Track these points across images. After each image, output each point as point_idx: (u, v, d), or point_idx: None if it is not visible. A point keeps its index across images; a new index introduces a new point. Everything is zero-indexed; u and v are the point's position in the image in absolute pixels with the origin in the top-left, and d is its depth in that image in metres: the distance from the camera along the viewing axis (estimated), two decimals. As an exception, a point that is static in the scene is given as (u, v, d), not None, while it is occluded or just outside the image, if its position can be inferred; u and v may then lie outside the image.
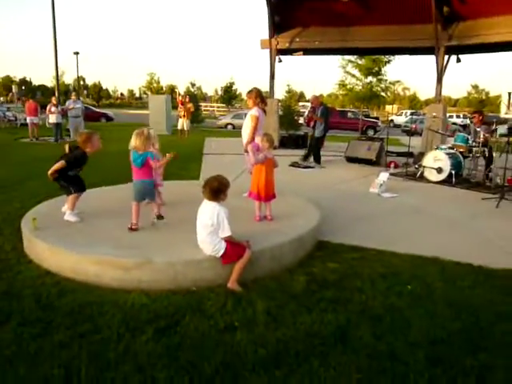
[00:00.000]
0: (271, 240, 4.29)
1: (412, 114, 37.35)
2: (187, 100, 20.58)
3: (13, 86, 44.80)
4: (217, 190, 3.71)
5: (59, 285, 3.64)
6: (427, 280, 4.03)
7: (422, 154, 10.70)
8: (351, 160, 11.91)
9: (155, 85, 78.06)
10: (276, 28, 14.75)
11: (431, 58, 12.94)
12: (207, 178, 3.89)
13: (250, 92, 6.46)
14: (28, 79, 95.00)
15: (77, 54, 37.60)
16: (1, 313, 3.14)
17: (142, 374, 2.50)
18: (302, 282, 3.85)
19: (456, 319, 3.33)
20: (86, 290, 3.56)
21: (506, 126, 8.67)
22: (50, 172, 4.55)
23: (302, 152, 12.63)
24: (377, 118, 36.95)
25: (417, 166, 10.07)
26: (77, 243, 4.03)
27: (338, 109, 35.12)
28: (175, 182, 7.38)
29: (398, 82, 30.54)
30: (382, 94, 25.98)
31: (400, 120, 39.28)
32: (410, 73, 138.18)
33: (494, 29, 11.50)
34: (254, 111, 6.23)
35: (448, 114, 41.31)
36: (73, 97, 17.62)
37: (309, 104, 20.13)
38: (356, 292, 3.70)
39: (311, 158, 11.48)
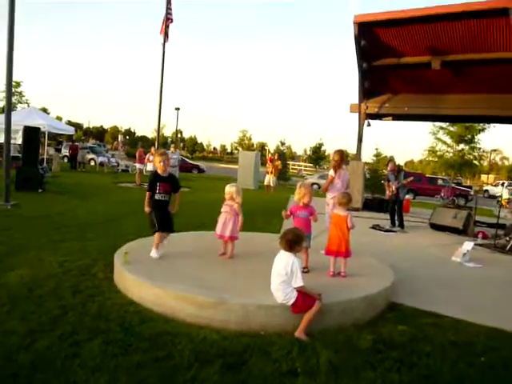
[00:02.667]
0: (342, 295, 4.37)
1: (509, 184, 35.37)
2: (276, 158, 21.35)
3: (119, 136, 49.20)
4: (292, 241, 3.94)
5: (140, 314, 3.98)
6: (503, 353, 3.84)
7: (514, 227, 10.17)
8: (436, 227, 11.55)
9: (247, 141, 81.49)
10: (366, 93, 15.14)
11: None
12: (284, 230, 4.16)
13: (334, 152, 7.05)
14: (132, 130, 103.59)
15: (178, 109, 40.60)
16: (91, 330, 3.52)
17: (206, 402, 2.69)
18: (369, 340, 3.85)
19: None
20: (164, 321, 3.86)
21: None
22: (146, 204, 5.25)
23: (385, 215, 12.53)
24: (469, 187, 35.43)
25: (508, 239, 9.55)
26: (160, 278, 4.40)
27: (427, 175, 34.29)
28: (258, 234, 7.72)
29: (495, 150, 29.42)
30: (475, 162, 25.04)
31: (496, 190, 37.34)
32: (510, 142, 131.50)
33: None
34: (330, 171, 6.90)
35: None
36: (172, 148, 19.07)
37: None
38: (423, 356, 3.62)
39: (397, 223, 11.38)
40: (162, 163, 5.27)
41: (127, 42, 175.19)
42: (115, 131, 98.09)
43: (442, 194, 26.63)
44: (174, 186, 5.37)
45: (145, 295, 4.27)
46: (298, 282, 3.83)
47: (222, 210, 5.61)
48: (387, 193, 11.73)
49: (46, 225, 8.01)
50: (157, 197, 5.23)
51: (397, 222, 11.35)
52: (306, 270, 5.04)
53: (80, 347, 3.23)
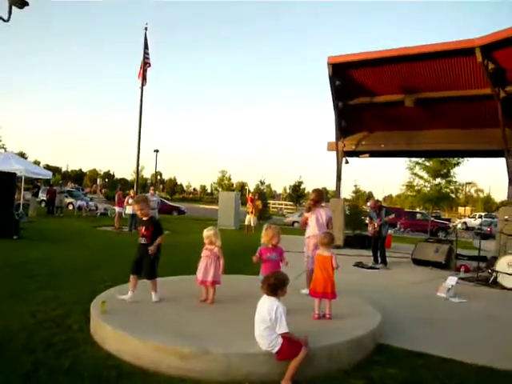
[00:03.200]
0: (328, 339, 4.22)
1: (486, 216, 35.97)
2: (256, 197, 21.35)
3: (98, 179, 48.88)
4: (274, 285, 3.82)
5: (118, 368, 3.75)
6: (497, 394, 3.73)
7: (495, 259, 10.19)
8: (418, 262, 11.52)
9: (226, 182, 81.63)
10: (342, 131, 15.37)
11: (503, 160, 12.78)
12: (266, 275, 4.04)
13: (311, 191, 7.10)
14: (111, 172, 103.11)
15: (157, 151, 40.65)
16: (63, 390, 3.28)
17: None
18: (359, 386, 3.70)
19: None
20: (143, 375, 3.65)
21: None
22: None
23: (367, 252, 12.49)
24: (448, 220, 35.93)
25: (489, 271, 9.56)
26: (139, 329, 4.20)
27: (406, 210, 34.66)
28: (237, 276, 7.52)
29: (470, 183, 30.06)
30: (452, 195, 25.46)
31: (474, 222, 37.93)
32: (484, 174, 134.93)
33: None
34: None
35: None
36: (151, 191, 18.90)
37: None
38: (416, 401, 3.49)
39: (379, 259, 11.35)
40: (138, 212, 5.39)
41: (105, 85, 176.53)
42: (94, 174, 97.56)
43: (398, 226, 27.77)
44: (153, 230, 5.30)
45: (123, 347, 4.05)
46: (283, 328, 3.68)
47: (203, 254, 5.51)
48: (369, 229, 11.73)
49: (20, 273, 7.71)
50: (138, 240, 5.35)
51: (379, 259, 11.30)
52: None
53: (51, 409, 3.01)
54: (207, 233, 5.50)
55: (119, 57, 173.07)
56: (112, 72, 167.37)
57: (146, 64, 21.29)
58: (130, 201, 17.76)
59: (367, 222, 12.41)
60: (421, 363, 4.35)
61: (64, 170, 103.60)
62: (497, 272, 9.00)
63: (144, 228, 5.27)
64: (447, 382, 3.91)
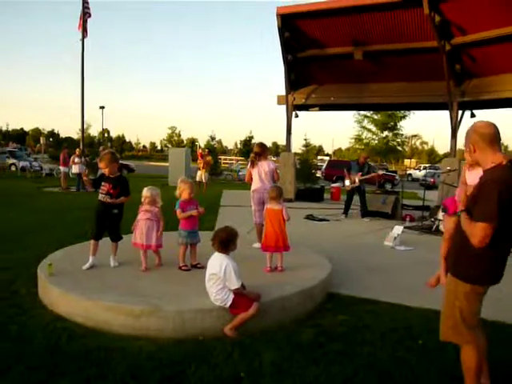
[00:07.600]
0: (280, 291, 4.30)
1: (429, 167, 37.36)
2: (206, 153, 21.09)
3: (41, 138, 46.66)
4: (225, 241, 3.82)
5: (69, 330, 3.69)
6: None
7: (437, 208, 10.65)
8: (367, 213, 11.87)
9: (176, 138, 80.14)
10: (292, 85, 15.24)
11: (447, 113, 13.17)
12: (216, 230, 4.01)
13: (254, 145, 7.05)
14: (56, 131, 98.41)
15: (102, 108, 39.14)
16: (10, 356, 3.19)
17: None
18: (310, 334, 3.82)
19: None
20: (95, 335, 3.60)
21: None
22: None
23: (318, 205, 12.67)
24: (394, 172, 37.07)
25: (432, 220, 10.01)
26: (89, 289, 4.12)
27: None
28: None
29: (415, 136, 30.87)
30: (399, 148, 26.19)
31: (418, 174, 39.40)
32: (428, 127, 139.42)
33: (505, 86, 11.80)
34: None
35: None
36: (101, 149, 18.28)
37: (327, 158, 19.71)
38: (365, 345, 3.64)
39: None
40: (104, 170, 4.89)
41: (45, 41, 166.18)
42: (37, 133, 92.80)
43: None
44: (120, 189, 4.87)
45: (73, 309, 3.97)
46: (233, 284, 3.71)
47: (142, 216, 4.96)
48: (347, 184, 11.57)
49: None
50: (99, 197, 4.88)
51: (361, 212, 11.57)
52: (199, 266, 4.95)
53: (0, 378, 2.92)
54: (150, 192, 4.97)
55: (60, 9, 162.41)
56: (50, 23, 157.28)
57: (85, 14, 20.09)
58: (77, 159, 17.19)
59: (345, 174, 12.02)
60: (369, 309, 4.55)
61: (4, 129, 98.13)
62: (439, 220, 9.42)
63: (111, 186, 4.80)
64: (393, 325, 4.11)
